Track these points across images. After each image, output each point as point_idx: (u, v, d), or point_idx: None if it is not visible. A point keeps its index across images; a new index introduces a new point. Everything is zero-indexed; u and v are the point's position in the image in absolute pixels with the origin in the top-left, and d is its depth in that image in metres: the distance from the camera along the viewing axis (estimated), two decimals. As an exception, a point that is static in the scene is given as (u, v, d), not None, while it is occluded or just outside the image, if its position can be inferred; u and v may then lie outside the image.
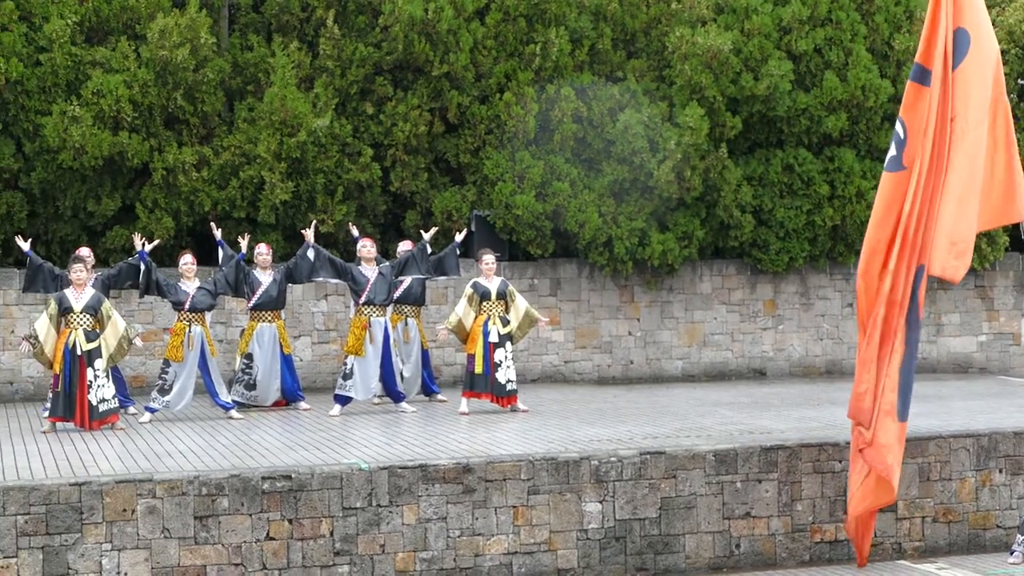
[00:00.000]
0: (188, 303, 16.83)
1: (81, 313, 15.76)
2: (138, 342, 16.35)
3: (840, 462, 14.50)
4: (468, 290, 17.38)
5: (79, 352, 15.69)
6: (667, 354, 21.83)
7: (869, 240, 13.87)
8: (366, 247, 17.78)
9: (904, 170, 13.82)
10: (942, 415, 16.74)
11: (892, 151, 13.98)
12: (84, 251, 17.28)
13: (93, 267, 16.90)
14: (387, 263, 17.89)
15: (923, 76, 13.84)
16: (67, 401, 15.67)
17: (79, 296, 15.84)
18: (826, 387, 20.39)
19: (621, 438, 14.95)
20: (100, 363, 15.76)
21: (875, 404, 13.61)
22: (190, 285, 16.97)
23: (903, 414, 13.58)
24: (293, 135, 19.90)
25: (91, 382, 15.66)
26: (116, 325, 15.88)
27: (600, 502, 13.90)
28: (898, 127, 13.96)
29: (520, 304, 17.45)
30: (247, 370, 17.71)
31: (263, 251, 18.01)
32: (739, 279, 22.19)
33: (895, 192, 13.80)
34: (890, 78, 22.03)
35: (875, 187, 21.43)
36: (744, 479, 14.36)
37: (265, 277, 17.78)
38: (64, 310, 15.75)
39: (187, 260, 17.18)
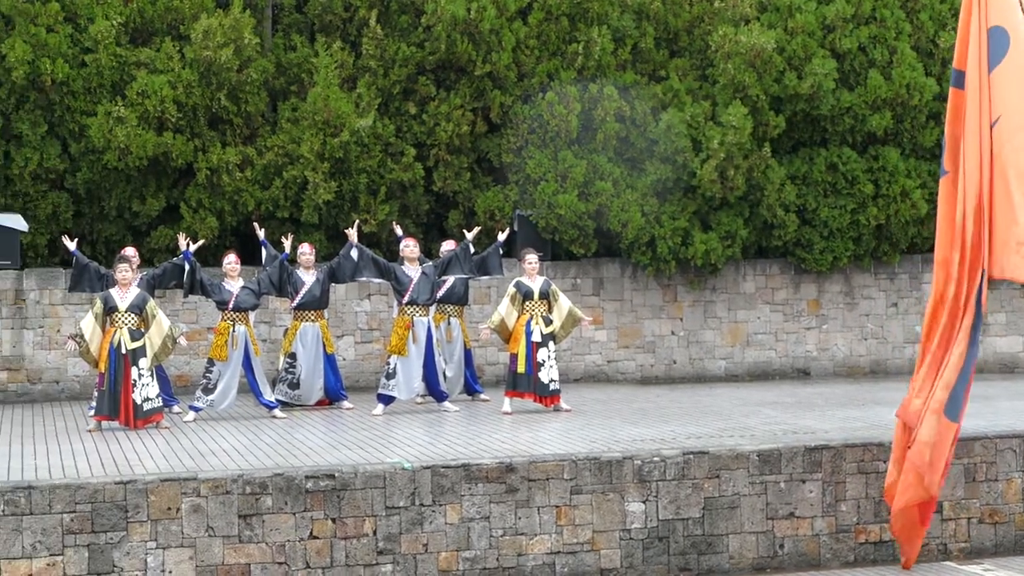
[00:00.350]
0: (232, 303, 16.89)
1: (126, 312, 15.83)
2: (182, 341, 16.41)
3: (885, 462, 14.40)
4: (511, 289, 17.37)
5: (124, 351, 15.76)
6: (710, 354, 21.76)
7: (937, 249, 13.77)
8: (409, 247, 17.78)
9: (947, 174, 13.73)
10: (988, 415, 16.60)
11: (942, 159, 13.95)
12: (129, 251, 17.38)
13: (138, 267, 16.98)
14: (430, 263, 17.89)
15: (959, 80, 13.67)
16: (112, 400, 15.74)
17: (124, 295, 15.91)
18: (870, 387, 20.26)
19: (664, 438, 14.91)
20: (144, 362, 15.83)
21: (925, 404, 13.48)
22: (234, 285, 17.03)
23: (953, 414, 13.36)
24: (336, 135, 19.95)
25: (135, 381, 15.73)
26: (160, 324, 15.95)
27: (643, 502, 13.86)
28: (943, 136, 13.92)
29: (563, 303, 17.42)
30: (291, 369, 17.76)
31: (306, 251, 18.06)
32: (783, 279, 22.09)
33: (946, 197, 13.72)
34: (935, 76, 21.87)
35: (920, 186, 21.58)
36: (788, 479, 14.28)
37: (308, 277, 17.83)
38: (109, 309, 15.83)
39: (231, 260, 17.24)
